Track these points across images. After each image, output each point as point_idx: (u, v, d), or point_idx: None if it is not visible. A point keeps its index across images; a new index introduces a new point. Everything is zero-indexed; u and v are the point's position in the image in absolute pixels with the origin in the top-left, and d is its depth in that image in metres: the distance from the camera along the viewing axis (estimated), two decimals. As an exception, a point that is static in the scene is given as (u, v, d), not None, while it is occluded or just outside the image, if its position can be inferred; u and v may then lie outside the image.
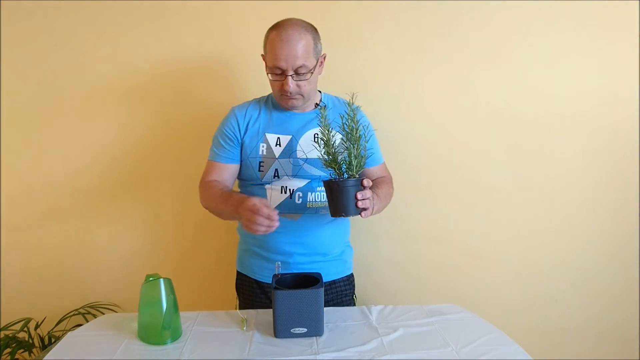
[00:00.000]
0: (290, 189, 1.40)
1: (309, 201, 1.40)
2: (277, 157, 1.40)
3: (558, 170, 1.79)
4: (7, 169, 1.82)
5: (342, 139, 1.22)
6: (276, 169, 1.40)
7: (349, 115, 1.20)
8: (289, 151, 1.40)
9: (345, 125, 1.20)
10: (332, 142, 1.22)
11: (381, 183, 1.46)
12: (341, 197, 1.19)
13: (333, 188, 1.20)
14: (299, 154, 1.40)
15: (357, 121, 1.19)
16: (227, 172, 1.44)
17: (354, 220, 1.68)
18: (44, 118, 1.79)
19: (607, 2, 1.68)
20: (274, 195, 1.40)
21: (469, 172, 1.80)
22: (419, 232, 1.83)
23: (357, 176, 1.22)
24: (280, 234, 1.40)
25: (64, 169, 1.82)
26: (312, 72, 1.34)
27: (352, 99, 1.20)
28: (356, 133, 1.19)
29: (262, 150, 1.40)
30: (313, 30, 1.35)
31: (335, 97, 1.53)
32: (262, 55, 1.40)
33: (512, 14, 1.70)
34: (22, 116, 1.79)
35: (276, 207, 1.40)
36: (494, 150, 1.78)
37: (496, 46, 1.72)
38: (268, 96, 1.50)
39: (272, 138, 1.41)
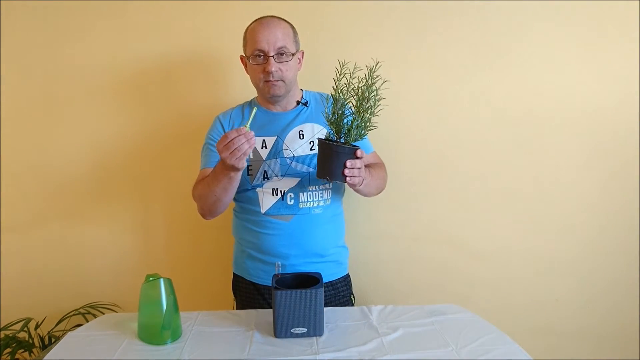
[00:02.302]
0: (281, 191, 1.40)
1: (301, 201, 1.40)
2: (264, 159, 1.40)
3: (559, 171, 1.79)
4: (7, 169, 1.82)
5: (352, 103, 1.21)
6: (264, 171, 1.40)
7: (367, 81, 1.17)
8: (276, 151, 1.41)
9: (360, 90, 1.17)
10: (342, 103, 1.20)
11: (373, 165, 1.47)
12: (330, 160, 1.18)
13: (325, 149, 1.18)
14: (286, 153, 1.41)
15: (373, 91, 1.16)
16: None
17: (352, 220, 1.68)
18: (43, 119, 1.79)
19: (607, 2, 1.68)
20: (266, 198, 1.41)
21: (469, 172, 1.79)
22: (419, 232, 1.83)
23: (352, 145, 1.19)
24: (275, 236, 1.41)
25: (64, 169, 1.82)
26: (293, 55, 1.37)
27: (375, 67, 1.16)
28: (366, 102, 1.16)
29: (249, 154, 1.41)
30: (290, 24, 1.41)
31: (318, 92, 1.52)
32: (240, 56, 1.44)
33: (512, 13, 1.70)
34: (21, 117, 1.79)
35: (269, 210, 1.41)
36: (495, 150, 1.78)
37: (497, 46, 1.72)
38: (251, 100, 1.51)
39: (257, 141, 1.41)
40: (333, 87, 1.22)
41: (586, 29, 1.70)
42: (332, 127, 1.22)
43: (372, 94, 1.17)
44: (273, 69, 1.34)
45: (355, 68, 1.19)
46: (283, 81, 1.37)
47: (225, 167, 1.24)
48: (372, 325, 1.23)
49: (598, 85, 1.73)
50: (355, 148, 1.20)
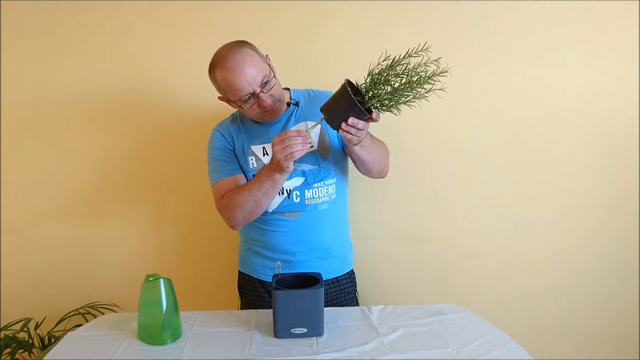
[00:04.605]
0: (287, 190, 1.40)
1: (307, 198, 1.40)
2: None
3: (559, 171, 1.79)
4: (7, 169, 1.82)
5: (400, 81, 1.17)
6: None
7: (423, 78, 1.11)
8: None
9: (412, 79, 1.13)
10: (396, 73, 1.14)
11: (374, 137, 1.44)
12: (339, 106, 1.16)
13: (343, 93, 1.14)
14: None
15: (422, 89, 1.11)
16: (239, 184, 1.40)
17: (354, 219, 1.68)
18: (44, 117, 1.79)
19: (608, 2, 1.68)
20: None
21: (469, 172, 1.79)
22: (420, 231, 1.83)
23: (366, 109, 1.15)
24: (282, 233, 1.42)
25: (64, 169, 1.82)
26: (274, 76, 1.33)
27: (439, 72, 1.11)
28: (403, 88, 1.12)
29: (252, 163, 1.41)
30: (244, 42, 1.32)
31: (306, 90, 1.50)
32: (219, 97, 1.38)
33: (512, 13, 1.70)
34: (22, 115, 1.79)
35: (276, 209, 1.41)
36: (495, 151, 1.78)
37: (496, 46, 1.72)
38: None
39: (257, 149, 1.41)
40: (402, 54, 1.16)
41: (586, 29, 1.70)
42: (368, 80, 1.17)
43: (416, 91, 1.12)
44: (269, 102, 1.31)
45: (429, 59, 1.14)
46: (279, 101, 1.36)
47: (271, 168, 1.26)
48: (372, 325, 1.23)
49: (598, 86, 1.73)
50: (367, 115, 1.16)
